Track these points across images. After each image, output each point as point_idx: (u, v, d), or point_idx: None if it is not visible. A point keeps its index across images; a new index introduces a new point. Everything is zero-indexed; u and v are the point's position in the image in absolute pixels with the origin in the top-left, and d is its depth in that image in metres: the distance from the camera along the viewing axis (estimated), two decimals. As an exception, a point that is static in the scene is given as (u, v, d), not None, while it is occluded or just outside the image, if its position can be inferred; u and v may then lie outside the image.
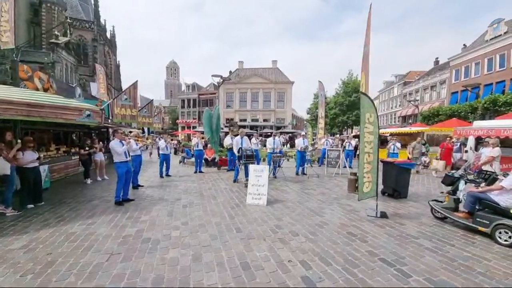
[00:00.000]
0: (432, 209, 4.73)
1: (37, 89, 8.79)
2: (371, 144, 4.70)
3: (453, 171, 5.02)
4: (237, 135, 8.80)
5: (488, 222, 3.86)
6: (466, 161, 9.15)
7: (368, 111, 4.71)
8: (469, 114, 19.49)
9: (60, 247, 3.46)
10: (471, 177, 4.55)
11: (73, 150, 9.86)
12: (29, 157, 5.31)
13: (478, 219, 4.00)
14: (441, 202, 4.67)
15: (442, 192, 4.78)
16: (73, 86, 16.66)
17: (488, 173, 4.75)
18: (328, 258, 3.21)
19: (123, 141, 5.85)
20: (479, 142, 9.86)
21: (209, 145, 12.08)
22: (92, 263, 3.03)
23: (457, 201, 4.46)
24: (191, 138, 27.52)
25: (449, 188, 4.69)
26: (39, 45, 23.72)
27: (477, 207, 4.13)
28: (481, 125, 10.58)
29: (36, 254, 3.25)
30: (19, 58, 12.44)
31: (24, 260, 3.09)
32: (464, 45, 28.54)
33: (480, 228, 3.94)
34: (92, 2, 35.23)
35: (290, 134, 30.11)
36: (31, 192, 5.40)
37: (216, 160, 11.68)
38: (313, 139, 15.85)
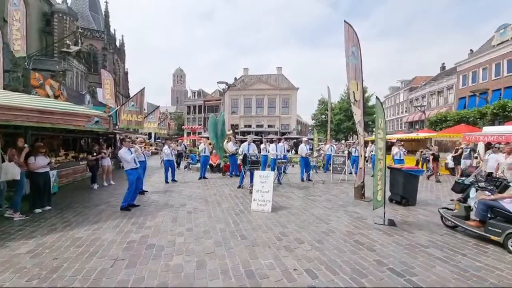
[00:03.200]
0: (442, 217, 4.60)
1: (48, 96, 9.03)
2: (381, 151, 4.65)
3: (463, 178, 4.89)
4: (243, 141, 8.84)
5: (500, 231, 3.74)
6: (477, 168, 8.91)
7: (380, 117, 4.68)
8: (478, 119, 19.11)
9: (66, 252, 3.48)
10: (482, 184, 4.43)
11: (81, 156, 10.03)
12: (41, 162, 5.42)
13: (490, 228, 3.88)
14: (452, 210, 4.55)
15: (452, 200, 4.66)
16: (83, 93, 17.07)
17: (499, 180, 4.62)
18: (335, 267, 3.14)
19: (132, 149, 5.93)
20: (489, 148, 9.62)
21: (214, 151, 12.12)
22: (96, 269, 3.03)
23: (468, 209, 4.33)
24: (196, 143, 27.66)
25: (460, 195, 4.57)
26: (50, 54, 24.48)
27: (489, 215, 4.00)
28: (491, 131, 10.37)
29: (42, 259, 3.27)
30: (31, 66, 12.86)
31: (31, 265, 3.11)
32: (471, 50, 28.26)
33: (492, 237, 3.82)
34: (103, 13, 36.40)
35: (295, 140, 30.01)
36: (40, 197, 5.49)
37: (221, 166, 11.69)
38: (318, 145, 15.78)
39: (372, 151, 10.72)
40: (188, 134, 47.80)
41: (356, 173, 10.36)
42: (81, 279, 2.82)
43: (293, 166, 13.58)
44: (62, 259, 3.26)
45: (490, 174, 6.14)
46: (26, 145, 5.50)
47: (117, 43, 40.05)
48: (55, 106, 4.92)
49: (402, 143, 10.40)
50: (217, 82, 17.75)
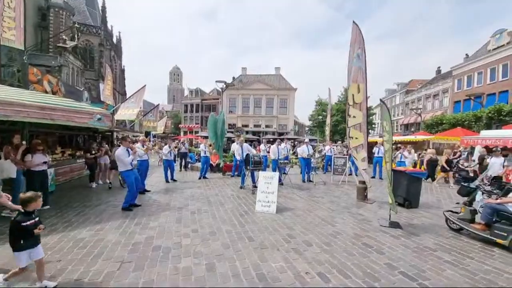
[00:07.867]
0: (447, 220, 4.62)
1: (46, 92, 8.79)
2: (387, 153, 4.64)
3: (468, 182, 4.93)
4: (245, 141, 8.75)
5: (505, 234, 3.78)
6: (475, 171, 9.03)
7: (385, 119, 4.67)
8: (473, 123, 19.43)
9: (69, 253, 3.37)
10: (488, 188, 4.46)
11: (78, 154, 9.81)
12: (38, 160, 5.26)
13: (495, 231, 3.92)
14: (457, 213, 4.57)
15: (458, 203, 4.68)
16: (81, 90, 16.76)
17: (503, 183, 4.66)
18: (346, 270, 3.10)
19: (130, 150, 5.71)
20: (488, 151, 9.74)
21: (213, 151, 12.02)
22: (103, 272, 2.93)
23: (474, 212, 4.36)
24: (193, 143, 27.44)
25: (465, 198, 4.59)
26: (46, 49, 24.01)
27: (494, 218, 4.04)
28: (489, 135, 10.53)
29: (45, 261, 3.14)
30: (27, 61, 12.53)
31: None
32: (466, 54, 28.73)
33: (497, 240, 3.85)
34: (100, 8, 35.86)
35: (292, 141, 30.01)
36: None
37: (220, 166, 11.60)
38: (321, 146, 15.88)
39: (374, 152, 10.72)
40: (185, 133, 47.46)
41: (356, 175, 10.41)
42: (88, 282, 2.73)
43: (292, 167, 13.57)
44: (67, 261, 3.16)
45: (495, 178, 6.22)
46: (23, 142, 5.33)
47: (114, 40, 39.54)
48: (57, 102, 4.78)
49: (403, 146, 10.47)
50: (216, 81, 17.64)
